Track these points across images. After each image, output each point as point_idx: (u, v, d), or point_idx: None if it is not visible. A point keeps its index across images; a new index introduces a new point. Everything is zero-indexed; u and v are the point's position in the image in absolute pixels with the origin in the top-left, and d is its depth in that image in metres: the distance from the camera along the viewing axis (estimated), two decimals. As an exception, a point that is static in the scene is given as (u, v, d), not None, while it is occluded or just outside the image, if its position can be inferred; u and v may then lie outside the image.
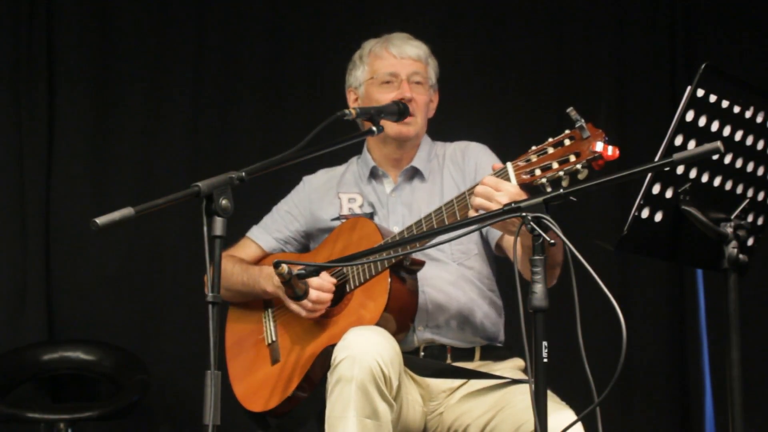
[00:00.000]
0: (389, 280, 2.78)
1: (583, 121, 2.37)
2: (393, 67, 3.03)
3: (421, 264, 2.86)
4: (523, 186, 2.52)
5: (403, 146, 3.07)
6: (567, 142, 2.41)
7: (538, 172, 2.46)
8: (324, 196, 3.13)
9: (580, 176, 2.37)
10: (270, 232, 3.18)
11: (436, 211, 2.77)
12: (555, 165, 2.42)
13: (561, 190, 2.22)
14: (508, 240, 2.87)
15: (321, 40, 4.61)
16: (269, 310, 3.09)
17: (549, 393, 2.18)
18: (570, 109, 2.36)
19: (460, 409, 2.83)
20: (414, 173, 3.07)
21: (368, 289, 2.84)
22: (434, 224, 2.76)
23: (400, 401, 2.73)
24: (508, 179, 2.54)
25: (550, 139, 2.46)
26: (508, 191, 2.51)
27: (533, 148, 2.50)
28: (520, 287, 2.21)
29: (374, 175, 3.10)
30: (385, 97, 2.98)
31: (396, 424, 2.73)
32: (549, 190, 2.40)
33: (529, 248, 2.68)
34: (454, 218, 2.70)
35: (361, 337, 2.63)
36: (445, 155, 3.08)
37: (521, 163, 2.51)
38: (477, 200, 2.54)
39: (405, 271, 2.82)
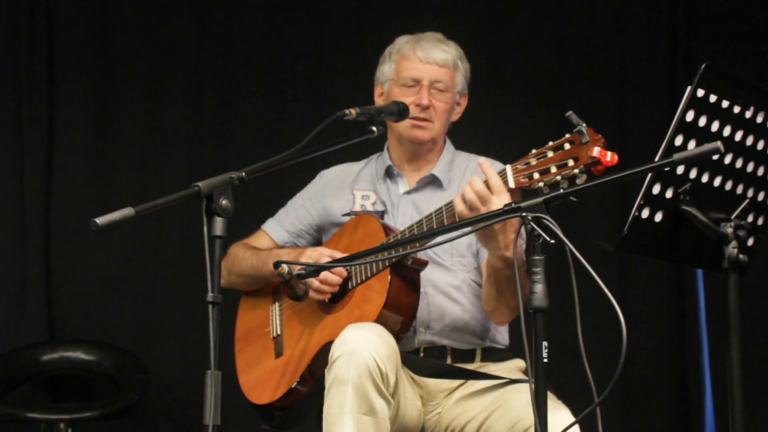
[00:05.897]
0: (389, 278, 2.77)
1: (583, 125, 2.35)
2: (416, 71, 2.99)
3: (424, 263, 2.85)
4: (521, 189, 2.50)
5: (420, 148, 3.05)
6: (567, 146, 2.40)
7: (536, 175, 2.44)
8: (338, 191, 3.13)
9: (579, 181, 2.36)
10: (283, 225, 3.18)
11: (436, 211, 2.76)
12: (553, 169, 2.41)
13: (561, 190, 2.22)
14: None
15: (321, 40, 4.61)
16: (276, 303, 3.09)
17: (548, 393, 2.17)
18: (570, 113, 2.34)
19: (457, 409, 2.83)
20: (432, 180, 3.06)
21: (369, 286, 2.84)
22: (434, 224, 2.75)
23: (397, 399, 2.73)
24: (506, 182, 2.54)
25: (551, 143, 2.44)
26: (497, 206, 2.53)
27: (533, 151, 2.48)
28: (520, 288, 2.21)
29: (390, 174, 3.10)
30: (405, 100, 2.93)
31: (394, 421, 2.73)
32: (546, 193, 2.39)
33: (492, 268, 2.71)
34: (452, 219, 2.70)
35: (357, 333, 2.63)
36: (467, 167, 3.07)
37: (520, 166, 2.49)
38: (461, 208, 2.59)
39: (407, 269, 2.81)
